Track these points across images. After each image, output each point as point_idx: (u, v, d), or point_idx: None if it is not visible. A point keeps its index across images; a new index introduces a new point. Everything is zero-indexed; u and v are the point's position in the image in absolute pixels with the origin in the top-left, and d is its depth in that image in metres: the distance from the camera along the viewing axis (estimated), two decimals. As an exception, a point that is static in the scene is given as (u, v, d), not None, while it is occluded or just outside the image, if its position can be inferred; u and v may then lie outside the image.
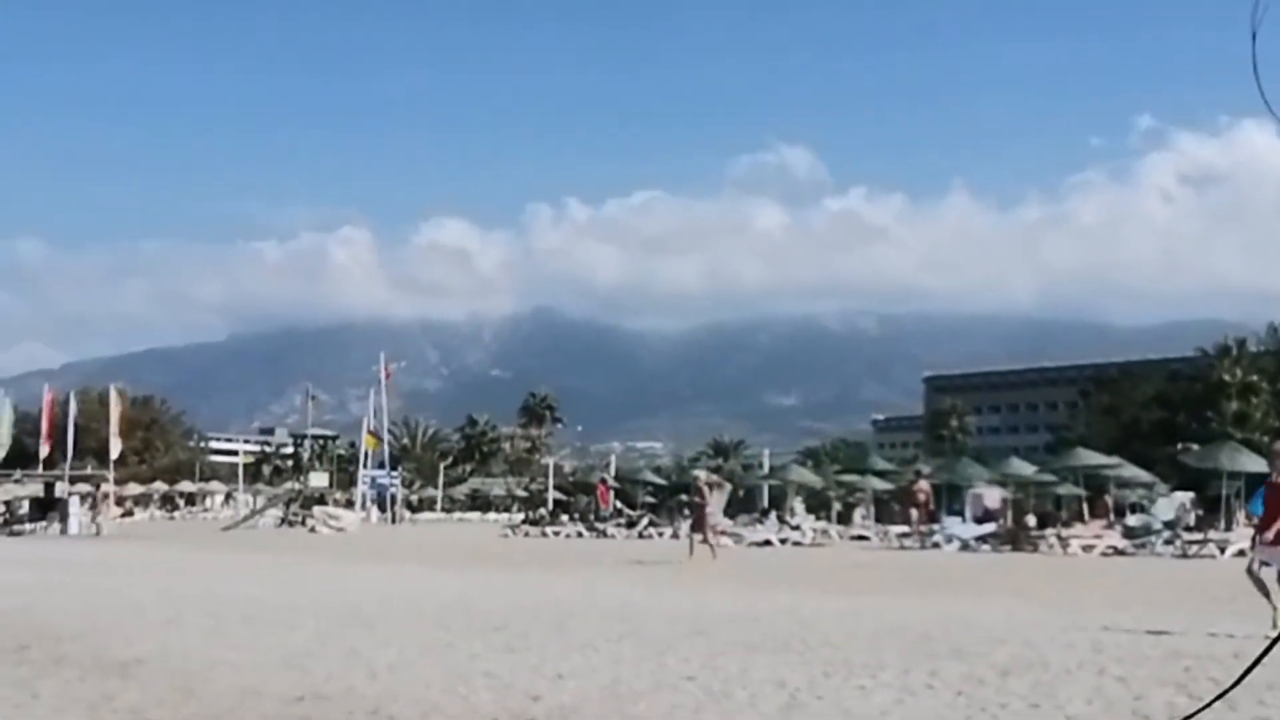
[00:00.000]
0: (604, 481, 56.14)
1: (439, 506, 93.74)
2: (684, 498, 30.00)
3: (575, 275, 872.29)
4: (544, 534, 49.61)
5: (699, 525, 28.99)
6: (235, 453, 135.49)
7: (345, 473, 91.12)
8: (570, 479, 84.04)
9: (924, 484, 45.39)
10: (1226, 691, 6.07)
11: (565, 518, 56.62)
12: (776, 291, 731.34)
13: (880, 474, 54.77)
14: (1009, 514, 43.48)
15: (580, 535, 48.68)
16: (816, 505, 54.39)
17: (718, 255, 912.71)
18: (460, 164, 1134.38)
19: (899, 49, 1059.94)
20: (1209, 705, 7.03)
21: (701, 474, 34.88)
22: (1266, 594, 13.62)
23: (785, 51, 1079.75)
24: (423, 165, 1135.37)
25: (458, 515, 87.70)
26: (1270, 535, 13.89)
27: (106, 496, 65.10)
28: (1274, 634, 12.55)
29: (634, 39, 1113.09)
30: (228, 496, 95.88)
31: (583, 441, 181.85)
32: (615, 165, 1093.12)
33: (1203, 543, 33.45)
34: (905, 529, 42.01)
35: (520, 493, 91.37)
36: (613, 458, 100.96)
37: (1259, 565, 13.92)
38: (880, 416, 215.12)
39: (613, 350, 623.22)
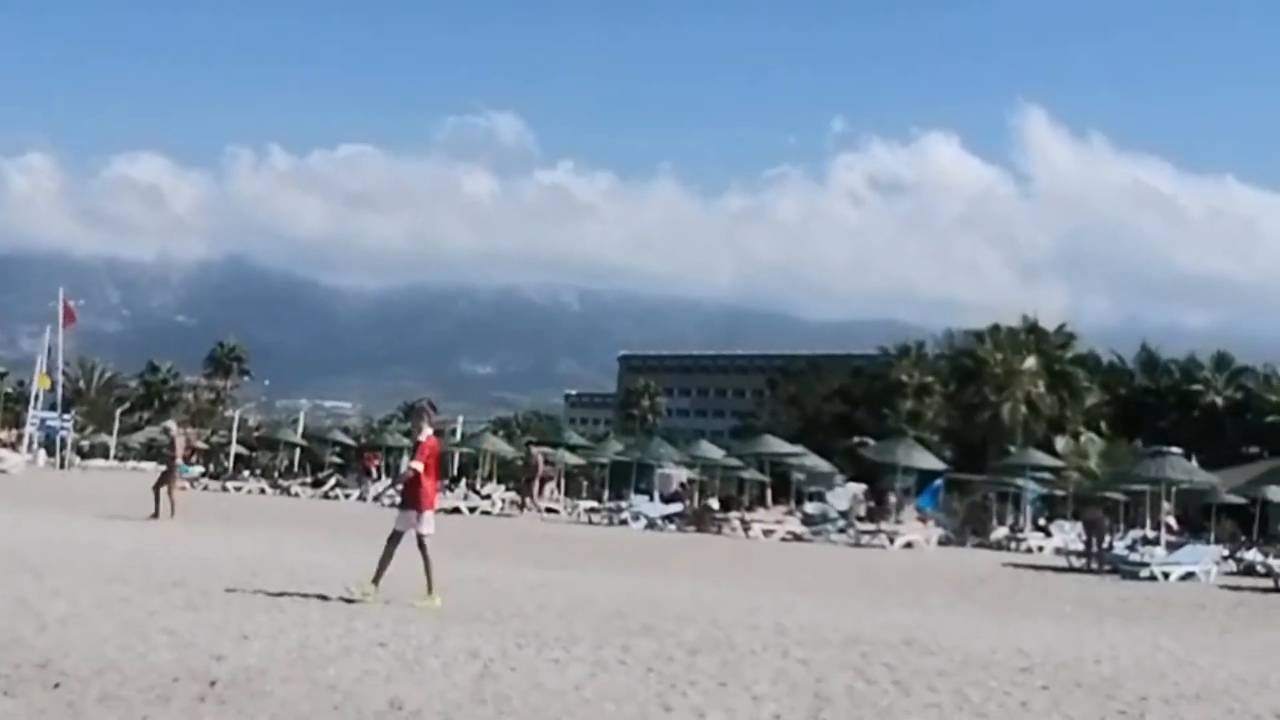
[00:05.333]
0: (375, 448, 56.03)
1: (113, 454, 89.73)
2: (166, 451, 28.93)
3: (274, 224, 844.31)
4: (224, 488, 48.13)
5: (168, 478, 27.79)
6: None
7: (11, 413, 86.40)
8: (255, 434, 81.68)
9: (540, 457, 46.31)
10: None
11: (247, 473, 55.23)
12: (481, 259, 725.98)
13: (572, 448, 55.22)
14: (695, 495, 44.50)
15: (264, 492, 47.51)
16: (507, 475, 54.47)
17: (423, 217, 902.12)
18: (159, 97, 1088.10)
19: (603, 19, 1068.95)
20: None
21: (172, 425, 33.74)
22: (386, 562, 12.91)
23: (492, 12, 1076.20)
24: (118, 94, 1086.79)
25: (132, 464, 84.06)
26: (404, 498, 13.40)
27: None
28: (359, 597, 12.70)
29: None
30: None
31: (270, 396, 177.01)
32: (322, 115, 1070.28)
33: (874, 533, 35.08)
34: (520, 500, 42.83)
35: (201, 445, 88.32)
36: (301, 414, 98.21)
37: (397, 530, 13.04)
38: (573, 391, 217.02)
39: (308, 304, 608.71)
